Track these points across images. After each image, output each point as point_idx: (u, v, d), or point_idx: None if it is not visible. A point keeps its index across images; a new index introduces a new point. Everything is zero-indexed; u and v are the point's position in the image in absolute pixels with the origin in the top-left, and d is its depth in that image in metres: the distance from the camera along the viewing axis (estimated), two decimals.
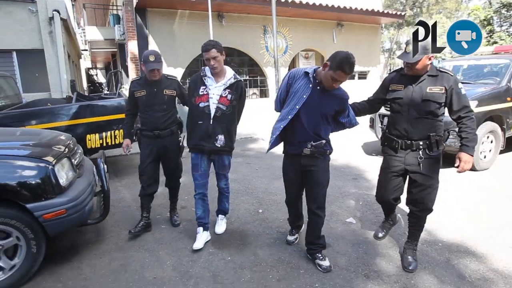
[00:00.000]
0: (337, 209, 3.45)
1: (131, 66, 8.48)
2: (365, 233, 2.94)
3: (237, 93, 2.67)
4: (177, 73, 8.41)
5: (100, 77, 24.73)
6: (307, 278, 2.28)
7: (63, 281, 2.36)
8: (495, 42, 15.54)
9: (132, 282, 2.32)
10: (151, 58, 2.77)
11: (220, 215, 3.08)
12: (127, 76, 9.62)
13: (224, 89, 2.62)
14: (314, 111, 2.24)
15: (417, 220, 2.39)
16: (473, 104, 4.40)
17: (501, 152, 4.98)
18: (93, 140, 4.34)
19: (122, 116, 3.62)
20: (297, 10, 9.03)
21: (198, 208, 2.82)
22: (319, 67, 2.26)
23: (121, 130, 4.36)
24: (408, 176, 2.41)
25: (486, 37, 16.84)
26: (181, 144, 3.11)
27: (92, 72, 24.47)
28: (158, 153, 2.99)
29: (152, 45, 8.05)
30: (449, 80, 2.18)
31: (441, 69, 2.24)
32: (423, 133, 2.23)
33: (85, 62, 21.88)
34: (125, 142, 3.06)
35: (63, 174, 2.40)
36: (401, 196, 2.56)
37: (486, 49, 5.95)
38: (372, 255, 2.58)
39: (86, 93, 11.69)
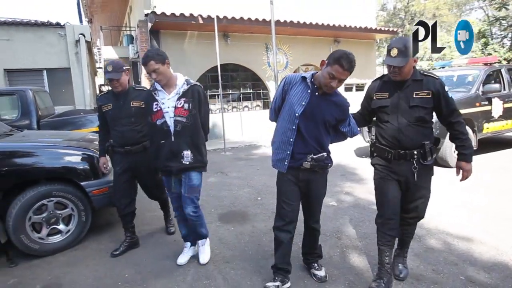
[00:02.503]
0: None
1: (145, 82, 9.36)
2: (344, 211, 3.61)
3: (194, 100, 2.37)
4: None
5: None
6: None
7: (104, 244, 3.08)
8: (490, 54, 16.22)
9: (157, 244, 3.03)
10: (109, 68, 2.64)
11: (200, 241, 2.69)
12: None
13: (178, 99, 2.34)
14: (314, 119, 2.06)
15: (408, 227, 2.32)
16: None
17: (476, 152, 5.58)
18: None
19: None
20: (296, 29, 9.88)
21: (181, 228, 2.70)
22: (317, 72, 2.10)
23: None
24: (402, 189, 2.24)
25: (482, 49, 17.56)
26: None
27: (104, 88, 25.74)
28: (131, 171, 2.81)
29: None
30: (435, 84, 2.06)
31: (425, 73, 2.12)
32: (416, 141, 2.08)
33: (98, 79, 23.10)
34: (100, 161, 2.92)
35: None
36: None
37: (462, 61, 6.64)
38: (346, 226, 3.24)
39: None
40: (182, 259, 2.67)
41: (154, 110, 2.36)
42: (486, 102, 5.55)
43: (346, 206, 3.74)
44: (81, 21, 11.24)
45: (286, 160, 2.11)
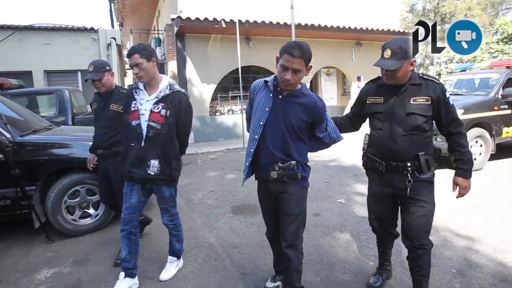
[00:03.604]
0: (333, 194, 4.29)
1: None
2: (351, 208, 3.77)
3: (173, 107, 2.19)
4: (210, 89, 9.63)
5: None
6: None
7: None
8: None
9: None
10: (90, 68, 2.56)
11: (169, 257, 2.56)
12: None
13: (156, 103, 2.18)
14: (279, 125, 1.85)
15: (417, 262, 1.95)
16: (459, 112, 5.10)
17: (493, 157, 5.50)
18: None
19: None
20: (318, 32, 10.02)
21: (123, 248, 2.29)
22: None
23: None
24: (399, 203, 2.06)
25: None
26: None
27: None
28: (106, 175, 2.74)
29: (189, 65, 9.36)
30: (436, 89, 1.86)
31: (425, 76, 1.92)
32: (411, 152, 1.87)
33: (127, 80, 24.22)
34: (89, 156, 2.89)
35: None
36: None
37: (484, 64, 6.55)
38: (350, 221, 3.41)
39: None
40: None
41: (132, 109, 2.23)
42: (506, 106, 5.47)
43: (354, 204, 3.89)
44: (112, 25, 11.95)
45: (245, 173, 1.99)
